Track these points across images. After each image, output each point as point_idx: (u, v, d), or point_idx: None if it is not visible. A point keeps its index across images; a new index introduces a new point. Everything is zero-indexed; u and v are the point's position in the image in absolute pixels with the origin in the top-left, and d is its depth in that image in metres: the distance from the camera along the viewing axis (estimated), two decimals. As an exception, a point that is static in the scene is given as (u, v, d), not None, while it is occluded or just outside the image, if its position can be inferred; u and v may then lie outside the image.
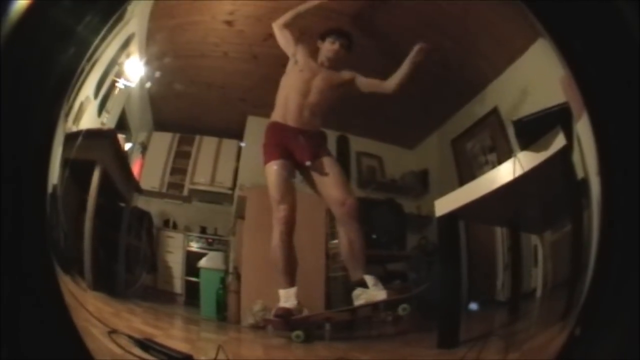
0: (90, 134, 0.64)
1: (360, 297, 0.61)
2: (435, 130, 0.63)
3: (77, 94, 0.64)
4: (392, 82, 0.60)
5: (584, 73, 0.58)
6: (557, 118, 0.58)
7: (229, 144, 0.65)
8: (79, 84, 0.64)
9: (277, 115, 0.63)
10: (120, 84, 0.64)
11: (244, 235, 0.64)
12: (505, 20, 0.65)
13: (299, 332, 0.60)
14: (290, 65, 0.63)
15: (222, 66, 0.66)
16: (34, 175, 0.60)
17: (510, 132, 0.58)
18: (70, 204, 0.62)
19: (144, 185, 0.65)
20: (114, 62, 0.65)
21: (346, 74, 0.65)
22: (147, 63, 0.64)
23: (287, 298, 0.61)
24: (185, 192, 0.68)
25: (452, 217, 0.58)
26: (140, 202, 0.64)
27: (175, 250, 0.66)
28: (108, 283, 0.63)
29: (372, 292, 0.60)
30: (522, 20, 0.63)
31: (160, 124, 0.66)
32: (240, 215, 0.64)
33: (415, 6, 0.64)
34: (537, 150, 0.58)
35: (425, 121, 0.63)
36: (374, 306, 0.61)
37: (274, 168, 0.62)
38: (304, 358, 0.63)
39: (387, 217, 0.63)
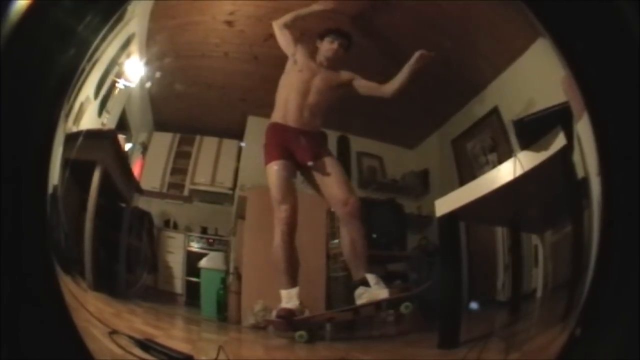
0: (91, 134, 0.64)
1: (363, 295, 0.61)
2: (436, 130, 0.63)
3: (77, 94, 0.63)
4: (390, 87, 0.60)
5: (584, 73, 0.58)
6: (558, 118, 0.58)
7: (230, 144, 0.65)
8: (79, 84, 0.63)
9: (277, 116, 0.63)
10: (121, 84, 0.64)
11: (244, 236, 0.64)
12: (506, 20, 0.65)
13: (302, 332, 0.60)
14: (289, 65, 0.63)
15: (222, 66, 0.66)
16: (34, 175, 0.60)
17: (511, 132, 0.58)
18: (71, 205, 0.62)
19: (145, 185, 0.65)
20: (114, 63, 0.64)
21: (345, 75, 0.65)
22: (148, 63, 0.64)
23: (289, 298, 0.61)
24: (186, 192, 0.68)
25: (453, 217, 0.58)
26: (141, 203, 0.64)
27: (175, 251, 0.66)
28: (109, 283, 0.63)
29: (374, 291, 0.60)
30: (522, 20, 0.63)
31: (160, 124, 0.66)
32: (240, 215, 0.64)
33: (416, 6, 0.64)
34: (538, 150, 0.58)
35: (426, 121, 0.63)
36: (377, 305, 0.61)
37: (275, 168, 0.62)
38: (305, 358, 0.63)
39: (388, 217, 0.63)
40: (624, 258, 0.56)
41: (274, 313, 0.61)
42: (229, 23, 0.64)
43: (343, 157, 0.63)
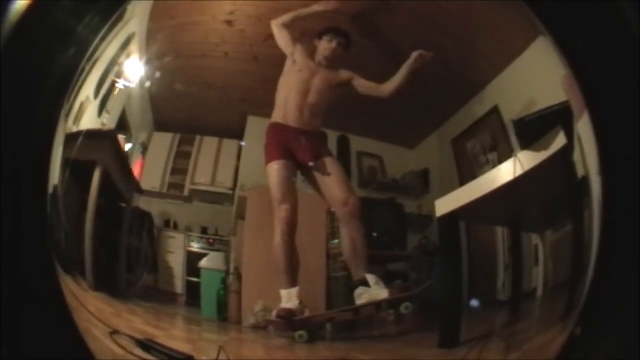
0: (91, 134, 0.64)
1: (362, 295, 0.61)
2: (436, 129, 0.63)
3: (77, 94, 0.63)
4: (388, 87, 0.60)
5: (584, 72, 0.58)
6: (558, 117, 0.58)
7: (230, 144, 0.65)
8: (79, 84, 0.63)
9: (277, 116, 0.63)
10: (121, 84, 0.64)
11: (244, 235, 0.64)
12: (506, 20, 0.65)
13: (302, 332, 0.60)
14: (288, 65, 0.63)
15: (222, 66, 0.66)
16: (34, 175, 0.59)
17: (511, 131, 0.58)
18: (71, 205, 0.62)
19: (145, 185, 0.65)
20: (114, 62, 0.64)
21: (344, 74, 0.65)
22: (148, 63, 0.64)
23: (288, 298, 0.61)
24: (186, 192, 0.68)
25: (453, 216, 0.58)
26: (141, 202, 0.64)
27: (176, 251, 0.66)
28: (109, 283, 0.63)
29: (374, 291, 0.60)
30: (522, 19, 0.63)
31: (160, 124, 0.66)
32: (240, 215, 0.64)
33: (416, 6, 0.64)
34: (538, 149, 0.58)
35: (426, 121, 0.63)
36: (376, 305, 0.61)
37: (275, 168, 0.62)
38: (306, 358, 0.63)
39: (388, 216, 0.63)
40: (624, 258, 0.56)
41: (274, 313, 0.61)
42: (229, 23, 0.64)
43: (343, 157, 0.63)
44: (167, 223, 0.67)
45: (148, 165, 0.65)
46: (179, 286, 0.64)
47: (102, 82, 0.65)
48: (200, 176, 0.66)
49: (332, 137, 0.63)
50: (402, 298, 0.60)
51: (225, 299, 0.62)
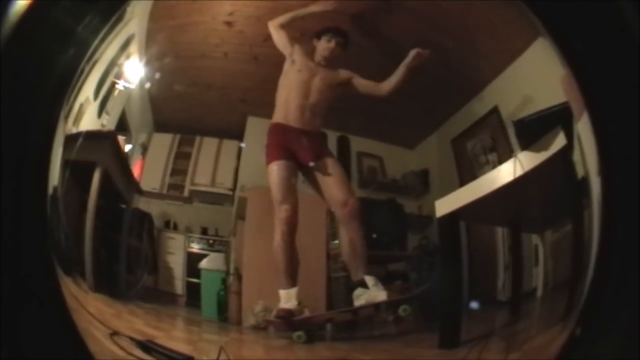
0: (91, 135, 0.64)
1: (361, 297, 0.61)
2: (436, 130, 0.63)
3: (77, 95, 0.63)
4: (386, 85, 0.60)
5: (584, 73, 0.58)
6: (558, 118, 0.58)
7: (230, 145, 0.65)
8: (79, 85, 0.63)
9: (278, 116, 0.63)
10: (120, 85, 0.64)
11: (244, 236, 0.64)
12: (506, 20, 0.65)
13: (300, 333, 0.60)
14: (287, 66, 0.63)
15: (222, 67, 0.66)
16: (34, 176, 0.59)
17: (511, 131, 0.58)
18: (71, 206, 0.62)
19: (145, 186, 0.64)
20: (114, 63, 0.64)
21: (344, 74, 0.65)
22: (147, 64, 0.64)
23: (287, 299, 0.61)
24: (186, 193, 0.68)
25: (453, 217, 0.58)
26: (141, 203, 0.63)
27: (176, 252, 0.66)
28: (109, 284, 0.63)
29: (372, 293, 0.60)
30: (522, 20, 0.63)
31: (160, 125, 0.66)
32: (241, 216, 0.64)
33: (416, 6, 0.64)
34: (538, 150, 0.58)
35: (426, 121, 0.63)
36: (375, 307, 0.61)
37: (276, 169, 0.62)
38: (306, 359, 0.63)
39: (388, 217, 0.63)
40: (624, 258, 0.56)
41: (273, 313, 0.61)
42: (229, 23, 0.64)
43: (343, 157, 0.63)
44: (167, 224, 0.67)
45: (148, 166, 0.65)
46: (179, 287, 0.64)
47: (102, 83, 0.64)
48: (201, 177, 0.66)
49: (332, 137, 0.63)
50: (400, 300, 0.60)
51: (225, 300, 0.62)
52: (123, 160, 0.65)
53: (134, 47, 0.65)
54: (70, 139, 0.63)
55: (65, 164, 0.61)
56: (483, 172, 0.60)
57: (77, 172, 0.62)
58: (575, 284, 0.57)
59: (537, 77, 0.62)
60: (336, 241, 0.63)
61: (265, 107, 0.63)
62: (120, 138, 0.66)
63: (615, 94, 0.56)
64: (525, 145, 0.58)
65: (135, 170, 0.65)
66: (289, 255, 0.61)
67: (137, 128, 0.66)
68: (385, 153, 0.64)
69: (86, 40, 0.63)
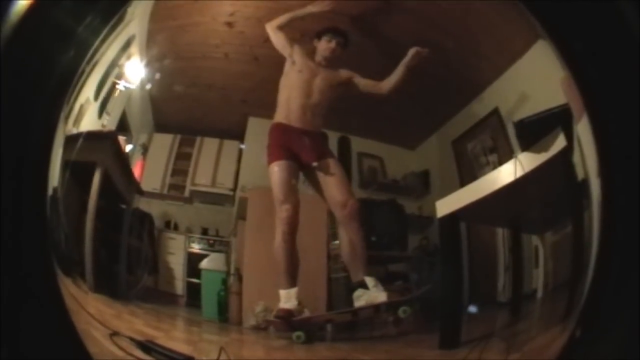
0: (91, 135, 0.64)
1: (361, 298, 0.61)
2: (437, 130, 0.63)
3: (77, 96, 0.63)
4: (386, 84, 0.61)
5: (584, 74, 0.58)
6: (558, 119, 0.58)
7: (230, 145, 0.65)
8: (79, 85, 0.63)
9: (280, 116, 0.63)
10: (121, 85, 0.64)
11: (245, 237, 0.64)
12: (506, 21, 0.65)
13: (299, 333, 0.60)
14: (287, 66, 0.63)
15: (222, 67, 0.66)
16: (34, 176, 0.59)
17: (511, 133, 0.58)
18: (71, 206, 0.62)
19: (145, 186, 0.64)
20: (114, 64, 0.64)
21: (344, 73, 0.65)
22: (148, 64, 0.64)
23: (287, 299, 0.61)
24: (187, 194, 0.68)
25: (454, 217, 0.58)
26: (142, 204, 0.63)
27: (176, 252, 0.66)
28: (109, 285, 0.63)
29: (372, 294, 0.60)
30: (522, 21, 0.63)
31: (161, 126, 0.66)
32: (241, 216, 0.64)
33: (416, 6, 0.64)
34: (538, 151, 0.58)
35: (426, 122, 0.63)
36: (375, 308, 0.61)
37: (277, 169, 0.62)
38: (306, 359, 0.63)
39: (389, 217, 0.63)
40: (624, 258, 0.56)
41: (273, 313, 0.61)
42: (229, 24, 0.64)
43: (344, 158, 0.63)
44: (167, 224, 0.67)
45: (149, 166, 0.65)
46: (179, 287, 0.64)
47: (103, 84, 0.64)
48: (201, 177, 0.66)
49: (333, 138, 0.63)
50: (400, 302, 0.60)
51: (226, 300, 0.62)
52: (123, 161, 0.65)
53: (134, 48, 0.65)
54: (71, 140, 0.63)
55: (66, 164, 0.61)
56: (483, 173, 0.60)
57: (77, 172, 0.62)
58: (575, 285, 0.57)
59: (537, 78, 0.62)
60: (337, 241, 0.63)
61: (266, 108, 0.63)
62: (121, 138, 0.66)
63: (615, 95, 0.56)
64: (526, 147, 0.58)
65: (136, 171, 0.65)
66: (290, 255, 0.61)
67: (137, 128, 0.66)
68: (386, 154, 0.64)
69: (87, 41, 0.63)
